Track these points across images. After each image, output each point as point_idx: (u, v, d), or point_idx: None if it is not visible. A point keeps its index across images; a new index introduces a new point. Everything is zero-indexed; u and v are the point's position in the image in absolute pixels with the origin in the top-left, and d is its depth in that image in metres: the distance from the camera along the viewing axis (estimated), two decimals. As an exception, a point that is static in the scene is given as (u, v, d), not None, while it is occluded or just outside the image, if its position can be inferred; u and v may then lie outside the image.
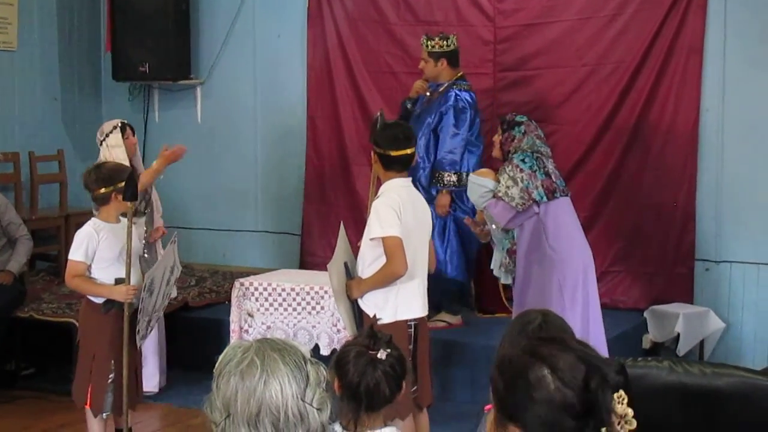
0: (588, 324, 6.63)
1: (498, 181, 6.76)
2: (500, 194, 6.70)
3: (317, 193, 9.78)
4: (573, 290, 6.71)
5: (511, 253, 6.97)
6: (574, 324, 6.48)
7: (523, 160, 6.73)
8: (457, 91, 8.11)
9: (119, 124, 7.55)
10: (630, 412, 2.13)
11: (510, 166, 6.75)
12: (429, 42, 8.14)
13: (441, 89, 8.15)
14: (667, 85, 8.48)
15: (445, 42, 8.13)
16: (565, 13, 8.79)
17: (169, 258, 6.19)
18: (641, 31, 8.52)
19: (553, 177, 6.77)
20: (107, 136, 7.46)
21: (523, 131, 6.86)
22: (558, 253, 6.72)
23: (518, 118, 6.99)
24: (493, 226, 6.91)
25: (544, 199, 6.68)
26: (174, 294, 7.92)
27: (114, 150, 7.38)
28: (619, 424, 2.12)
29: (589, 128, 8.75)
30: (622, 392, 2.14)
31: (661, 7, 8.42)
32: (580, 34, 8.75)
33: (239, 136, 10.22)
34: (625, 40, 8.59)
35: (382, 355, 3.55)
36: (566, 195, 6.87)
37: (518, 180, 6.65)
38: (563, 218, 6.82)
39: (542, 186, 6.68)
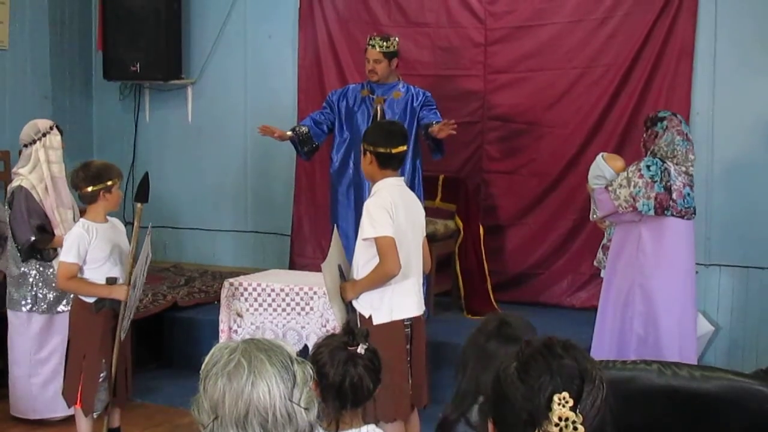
0: (603, 342, 6.63)
1: (619, 172, 6.66)
2: (611, 187, 6.62)
3: (307, 194, 9.78)
4: (615, 307, 6.67)
5: (605, 248, 6.94)
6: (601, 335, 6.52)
7: (648, 167, 6.54)
8: (411, 87, 8.12)
9: (54, 125, 7.13)
10: (572, 416, 2.04)
11: (635, 167, 6.60)
12: (384, 43, 8.07)
13: (399, 87, 8.11)
14: (657, 88, 8.49)
15: (394, 42, 8.11)
16: (556, 15, 8.80)
17: (146, 251, 6.14)
18: (632, 34, 8.53)
19: (674, 194, 6.54)
20: (44, 135, 7.01)
21: (665, 126, 6.63)
22: (642, 267, 6.60)
23: (661, 114, 6.79)
24: (595, 210, 6.87)
25: (651, 212, 6.50)
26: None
27: (51, 151, 6.99)
28: (557, 426, 2.05)
29: (579, 131, 8.76)
30: (565, 394, 2.06)
31: (651, 10, 8.43)
32: (571, 37, 8.76)
33: (230, 136, 10.22)
34: (616, 42, 8.61)
35: (361, 350, 3.56)
36: (681, 217, 6.60)
37: (632, 184, 6.52)
38: (665, 240, 6.62)
39: (655, 199, 6.49)
